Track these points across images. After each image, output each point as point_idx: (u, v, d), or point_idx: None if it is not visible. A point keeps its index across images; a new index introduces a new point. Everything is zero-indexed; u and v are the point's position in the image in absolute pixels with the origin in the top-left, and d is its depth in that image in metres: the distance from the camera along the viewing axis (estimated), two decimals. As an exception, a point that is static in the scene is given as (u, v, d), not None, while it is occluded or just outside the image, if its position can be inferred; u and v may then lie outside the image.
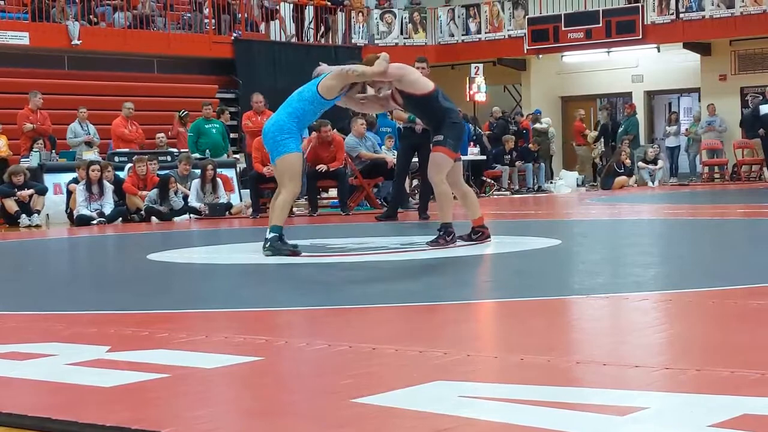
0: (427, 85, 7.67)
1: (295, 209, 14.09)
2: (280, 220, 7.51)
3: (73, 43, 18.62)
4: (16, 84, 17.28)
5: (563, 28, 22.52)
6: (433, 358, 3.46)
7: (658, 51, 22.65)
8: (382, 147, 15.12)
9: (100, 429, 2.64)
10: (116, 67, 19.47)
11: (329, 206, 14.85)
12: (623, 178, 19.92)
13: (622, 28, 21.84)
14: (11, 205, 13.37)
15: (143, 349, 3.79)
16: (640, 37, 21.76)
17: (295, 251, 7.36)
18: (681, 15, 21.38)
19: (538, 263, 6.86)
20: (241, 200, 14.89)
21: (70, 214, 13.62)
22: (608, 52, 22.85)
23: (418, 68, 11.74)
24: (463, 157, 17.96)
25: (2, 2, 19.16)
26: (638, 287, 5.23)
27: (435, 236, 7.69)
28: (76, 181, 13.61)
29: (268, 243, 7.38)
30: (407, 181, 14.36)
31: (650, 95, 24.11)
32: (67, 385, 3.18)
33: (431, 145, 7.73)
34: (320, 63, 7.99)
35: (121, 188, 13.69)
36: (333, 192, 14.84)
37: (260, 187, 13.93)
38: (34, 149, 14.81)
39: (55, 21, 18.73)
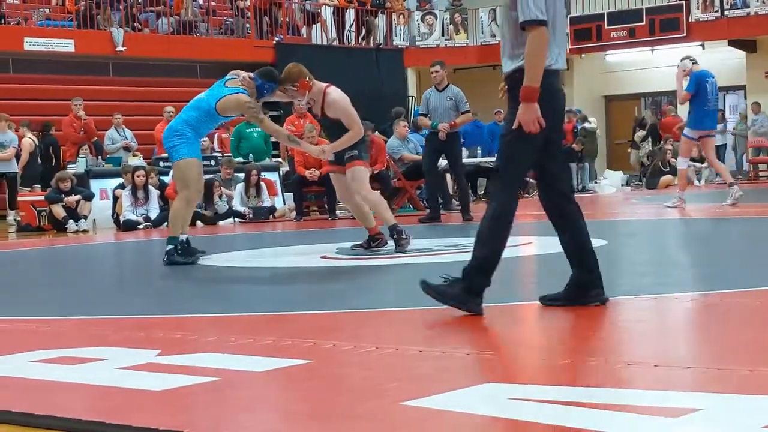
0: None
1: (338, 212, 14.11)
2: (175, 231, 7.64)
3: (117, 49, 18.82)
4: (62, 91, 17.47)
5: (606, 27, 22.36)
6: (480, 360, 3.45)
7: (703, 48, 22.40)
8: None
9: (153, 432, 2.66)
10: (160, 72, 19.63)
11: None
12: (668, 177, 19.71)
13: (665, 25, 21.64)
14: (59, 210, 13.54)
15: (192, 352, 3.82)
16: (684, 34, 21.55)
17: (192, 260, 7.52)
18: (726, 12, 21.14)
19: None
20: (284, 204, 14.95)
21: (116, 219, 13.75)
22: (652, 50, 22.66)
23: (432, 72, 11.77)
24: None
25: (48, 10, 19.42)
26: (687, 287, 5.18)
27: (394, 243, 7.81)
28: (122, 186, 13.74)
29: (166, 256, 7.57)
30: (449, 182, 14.31)
31: (695, 93, 23.83)
32: (119, 389, 3.21)
33: (345, 161, 7.89)
34: (238, 73, 7.88)
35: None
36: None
37: (303, 190, 13.99)
38: (80, 155, 14.98)
39: (100, 28, 18.94)
